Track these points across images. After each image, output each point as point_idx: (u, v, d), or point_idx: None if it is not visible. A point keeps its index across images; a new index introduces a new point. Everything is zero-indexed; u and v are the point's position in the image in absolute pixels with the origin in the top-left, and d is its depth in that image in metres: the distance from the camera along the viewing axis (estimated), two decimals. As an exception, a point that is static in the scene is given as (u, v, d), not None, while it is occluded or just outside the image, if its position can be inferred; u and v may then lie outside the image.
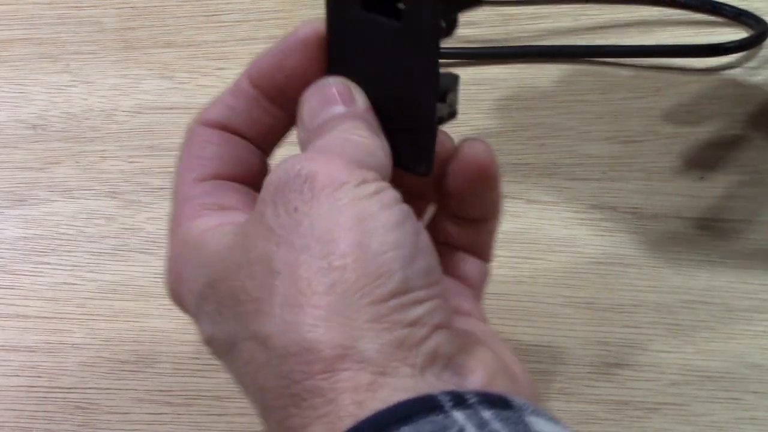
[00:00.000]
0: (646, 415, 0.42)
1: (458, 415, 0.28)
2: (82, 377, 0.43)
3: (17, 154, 0.51)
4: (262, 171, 0.37)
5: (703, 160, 0.51)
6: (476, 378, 0.31)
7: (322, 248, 0.30)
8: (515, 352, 0.35)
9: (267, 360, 0.30)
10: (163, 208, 0.49)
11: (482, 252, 0.39)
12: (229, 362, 0.32)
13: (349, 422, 0.28)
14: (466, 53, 0.56)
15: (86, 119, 0.52)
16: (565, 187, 0.50)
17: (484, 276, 0.39)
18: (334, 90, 0.35)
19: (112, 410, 0.42)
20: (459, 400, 0.28)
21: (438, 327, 0.30)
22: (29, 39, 0.56)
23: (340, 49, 0.35)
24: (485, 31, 0.58)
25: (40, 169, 0.50)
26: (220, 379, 0.43)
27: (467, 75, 0.54)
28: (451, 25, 0.34)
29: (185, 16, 0.56)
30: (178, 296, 0.35)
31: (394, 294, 0.30)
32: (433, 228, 0.38)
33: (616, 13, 0.57)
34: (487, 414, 0.28)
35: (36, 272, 0.47)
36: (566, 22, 0.57)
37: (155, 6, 0.57)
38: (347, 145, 0.33)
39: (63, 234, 0.48)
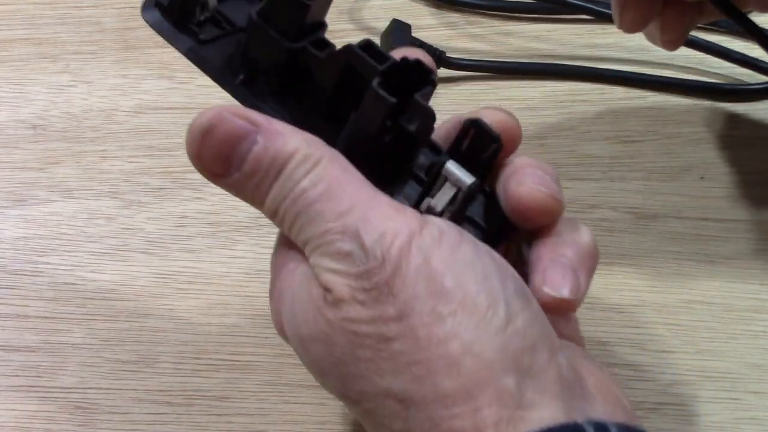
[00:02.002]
0: (646, 415, 0.42)
1: None
2: (82, 377, 0.43)
3: (17, 154, 0.51)
4: None
5: (703, 160, 0.51)
6: (599, 405, 0.31)
7: (425, 303, 0.31)
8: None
9: (406, 411, 0.31)
10: (163, 208, 0.49)
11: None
12: (356, 410, 0.33)
13: None
14: (479, 66, 0.55)
15: (86, 119, 0.52)
16: (566, 187, 0.49)
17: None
18: (226, 125, 0.34)
19: (112, 410, 0.42)
20: (601, 428, 0.29)
21: (554, 351, 0.31)
22: (29, 39, 0.56)
23: None
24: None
25: (40, 169, 0.50)
26: (220, 379, 0.43)
27: (472, 83, 0.55)
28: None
29: (185, 16, 0.56)
30: (279, 328, 0.35)
31: (507, 321, 0.30)
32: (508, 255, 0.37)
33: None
34: None
35: (36, 272, 0.47)
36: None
37: (155, 6, 0.57)
38: (348, 188, 0.33)
39: (63, 234, 0.48)
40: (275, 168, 0.33)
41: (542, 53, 0.56)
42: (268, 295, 0.45)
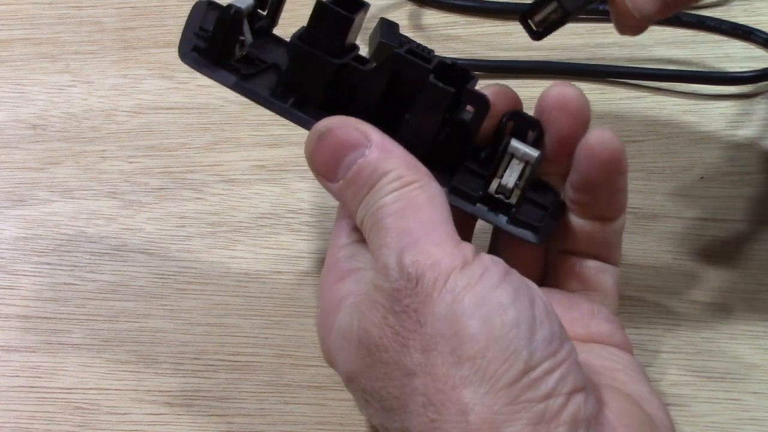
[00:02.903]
0: (646, 415, 0.42)
1: None
2: (82, 377, 0.43)
3: (17, 154, 0.51)
4: None
5: (703, 160, 0.51)
6: None
7: (447, 343, 0.31)
8: (653, 390, 0.36)
9: None
10: (163, 209, 0.49)
11: (610, 255, 0.39)
12: None
13: None
14: (480, 66, 0.55)
15: (86, 119, 0.52)
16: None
17: (616, 282, 0.39)
18: (341, 133, 0.35)
19: (112, 410, 0.42)
20: None
21: (573, 392, 0.31)
22: (29, 39, 0.56)
23: None
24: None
25: (40, 169, 0.50)
26: (219, 380, 0.43)
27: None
28: None
29: (185, 16, 0.56)
30: (328, 359, 0.36)
31: (524, 372, 0.31)
32: (558, 234, 0.39)
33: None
34: None
35: (36, 272, 0.47)
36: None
37: (155, 6, 0.57)
38: (420, 213, 0.34)
39: (63, 234, 0.48)
40: (371, 182, 0.34)
41: (541, 53, 0.56)
42: (266, 297, 0.45)
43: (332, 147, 0.35)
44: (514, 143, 0.36)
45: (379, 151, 0.35)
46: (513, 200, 0.37)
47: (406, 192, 0.34)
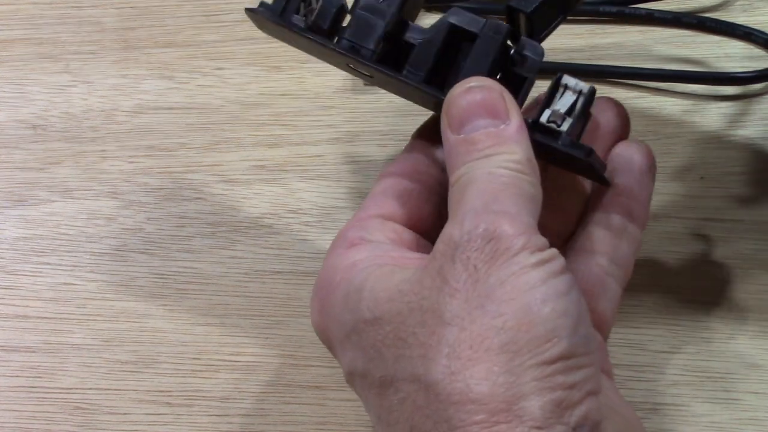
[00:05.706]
0: (646, 415, 0.42)
1: None
2: (82, 377, 0.43)
3: (17, 154, 0.51)
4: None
5: (703, 160, 0.51)
6: None
7: (496, 308, 0.31)
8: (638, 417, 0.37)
9: (426, 403, 0.31)
10: (163, 209, 0.49)
11: (622, 267, 0.40)
12: (379, 398, 0.33)
13: None
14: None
15: (86, 119, 0.52)
16: (565, 187, 0.50)
17: (616, 305, 0.40)
18: (488, 96, 0.36)
19: (112, 410, 0.42)
20: None
21: (591, 393, 0.32)
22: (29, 39, 0.56)
23: None
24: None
25: (40, 169, 0.50)
26: (220, 380, 0.43)
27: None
28: None
29: (185, 16, 0.56)
30: (322, 323, 0.36)
31: (560, 357, 0.31)
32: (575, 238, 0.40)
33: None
34: None
35: (36, 272, 0.47)
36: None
37: (155, 6, 0.57)
38: (519, 199, 0.34)
39: (63, 234, 0.48)
40: (491, 151, 0.35)
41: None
42: (266, 297, 0.44)
43: (475, 103, 0.35)
44: (566, 76, 0.37)
45: (515, 132, 0.35)
46: (564, 128, 0.37)
47: (517, 177, 0.34)
